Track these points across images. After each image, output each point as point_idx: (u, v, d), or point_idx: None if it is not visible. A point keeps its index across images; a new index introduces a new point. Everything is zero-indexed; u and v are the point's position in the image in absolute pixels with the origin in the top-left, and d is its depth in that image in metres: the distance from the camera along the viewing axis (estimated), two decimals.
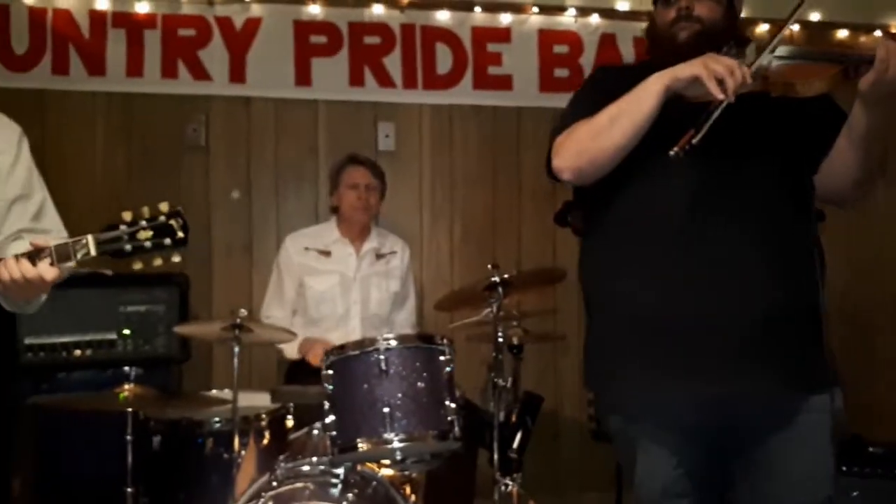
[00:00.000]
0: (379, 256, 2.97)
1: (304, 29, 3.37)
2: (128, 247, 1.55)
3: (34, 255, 1.55)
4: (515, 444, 2.37)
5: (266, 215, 3.37)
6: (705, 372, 1.48)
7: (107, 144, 3.25)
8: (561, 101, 1.76)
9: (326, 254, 2.89)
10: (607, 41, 3.58)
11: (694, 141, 1.37)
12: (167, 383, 2.76)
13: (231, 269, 3.31)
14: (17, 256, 1.55)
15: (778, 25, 1.46)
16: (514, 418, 2.40)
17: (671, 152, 1.38)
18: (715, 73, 1.37)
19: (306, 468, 2.08)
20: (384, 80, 3.45)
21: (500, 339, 2.37)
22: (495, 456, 2.27)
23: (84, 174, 3.15)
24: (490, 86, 3.53)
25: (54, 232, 1.78)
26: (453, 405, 1.97)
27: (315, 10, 3.37)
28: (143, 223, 1.56)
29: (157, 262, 1.60)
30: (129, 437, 2.16)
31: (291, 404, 2.30)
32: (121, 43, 3.23)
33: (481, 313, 2.42)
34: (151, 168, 3.24)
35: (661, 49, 1.61)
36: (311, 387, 2.33)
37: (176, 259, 1.60)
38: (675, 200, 1.50)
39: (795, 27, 3.63)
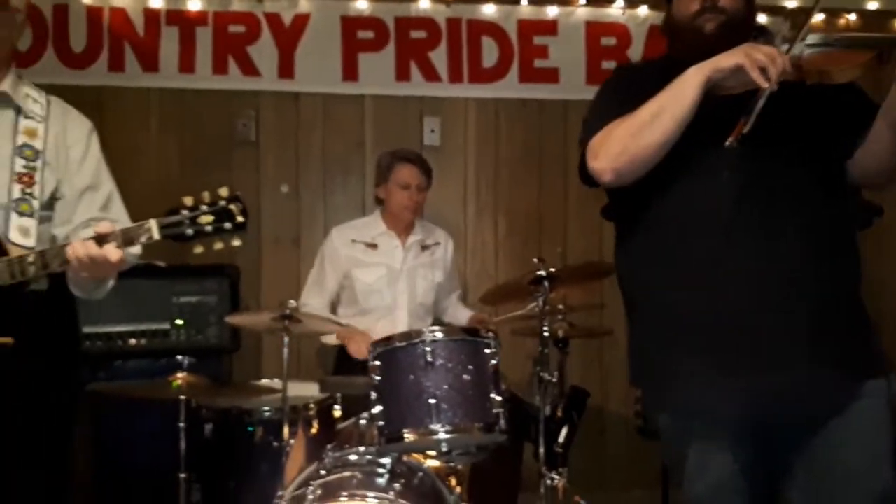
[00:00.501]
0: (424, 248, 2.99)
1: (351, 24, 3.40)
2: (189, 231, 1.60)
3: (101, 238, 1.61)
4: (561, 439, 2.36)
5: (314, 209, 3.42)
6: (754, 365, 1.46)
7: (160, 139, 3.33)
8: None
9: (373, 246, 2.93)
10: (656, 33, 3.52)
11: (745, 130, 1.37)
12: (218, 373, 2.82)
13: (279, 262, 3.37)
14: (84, 238, 1.62)
15: (807, 14, 1.43)
16: (559, 413, 2.39)
17: (727, 143, 1.38)
18: (757, 62, 1.36)
19: (353, 457, 2.11)
20: (430, 75, 3.46)
21: (546, 334, 2.36)
22: (541, 450, 2.27)
23: (138, 169, 3.23)
24: (536, 79, 3.51)
25: (121, 222, 1.84)
26: (499, 398, 1.98)
27: (362, 6, 3.40)
28: (204, 208, 1.60)
29: (218, 245, 1.64)
30: (181, 425, 2.21)
31: (339, 394, 2.33)
32: (173, 40, 3.30)
33: (527, 307, 2.41)
34: (203, 162, 3.30)
35: (683, 42, 1.60)
36: (359, 377, 2.36)
37: (236, 243, 1.64)
38: (722, 193, 1.49)
39: (853, 16, 3.54)
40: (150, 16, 3.29)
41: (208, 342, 2.85)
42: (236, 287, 2.94)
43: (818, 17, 3.58)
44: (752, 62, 1.36)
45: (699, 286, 1.49)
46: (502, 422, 1.96)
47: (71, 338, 1.95)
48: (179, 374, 2.21)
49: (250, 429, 2.33)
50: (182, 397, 2.23)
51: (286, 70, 3.36)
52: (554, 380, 2.35)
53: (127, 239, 1.62)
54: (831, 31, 1.45)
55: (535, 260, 2.33)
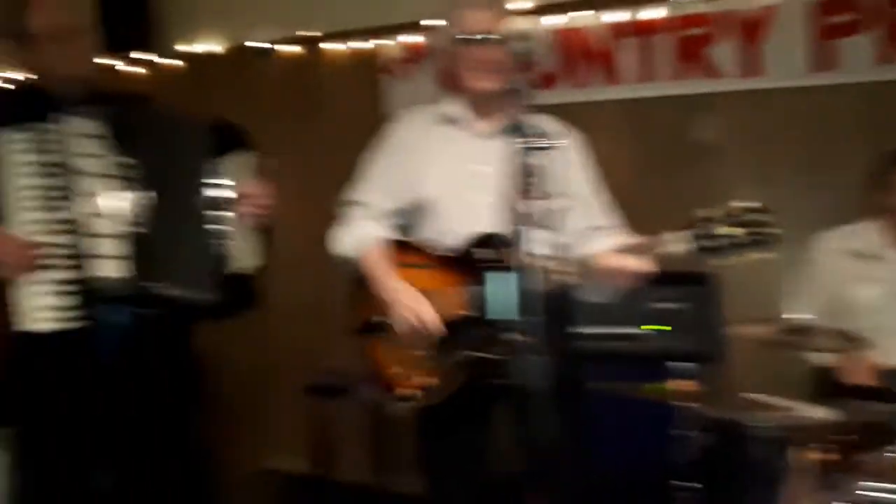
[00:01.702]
0: None
1: (820, 10, 3.11)
2: (720, 243, 1.60)
3: (630, 250, 1.70)
4: None
5: (787, 213, 3.17)
6: None
7: (619, 151, 3.40)
8: None
9: (872, 258, 2.58)
10: None
11: None
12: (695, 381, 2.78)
13: (753, 269, 3.18)
14: (615, 251, 1.72)
15: None
16: None
17: None
18: None
19: (877, 494, 1.89)
20: None
21: None
22: None
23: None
24: None
25: (618, 227, 1.94)
26: None
27: None
28: (730, 219, 1.59)
29: (751, 258, 1.61)
30: (680, 432, 2.22)
31: (852, 421, 2.11)
32: (631, 50, 3.37)
33: None
34: (663, 170, 3.28)
35: None
36: (874, 404, 2.12)
37: (770, 255, 1.60)
38: None
39: None
40: (607, 30, 3.40)
41: (686, 350, 2.82)
42: (717, 296, 2.86)
43: None
44: None
45: None
46: None
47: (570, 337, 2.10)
48: (678, 381, 2.22)
49: (747, 443, 2.22)
50: (677, 403, 2.24)
51: (751, 68, 3.20)
52: None
53: (651, 250, 1.68)
54: None
55: None
